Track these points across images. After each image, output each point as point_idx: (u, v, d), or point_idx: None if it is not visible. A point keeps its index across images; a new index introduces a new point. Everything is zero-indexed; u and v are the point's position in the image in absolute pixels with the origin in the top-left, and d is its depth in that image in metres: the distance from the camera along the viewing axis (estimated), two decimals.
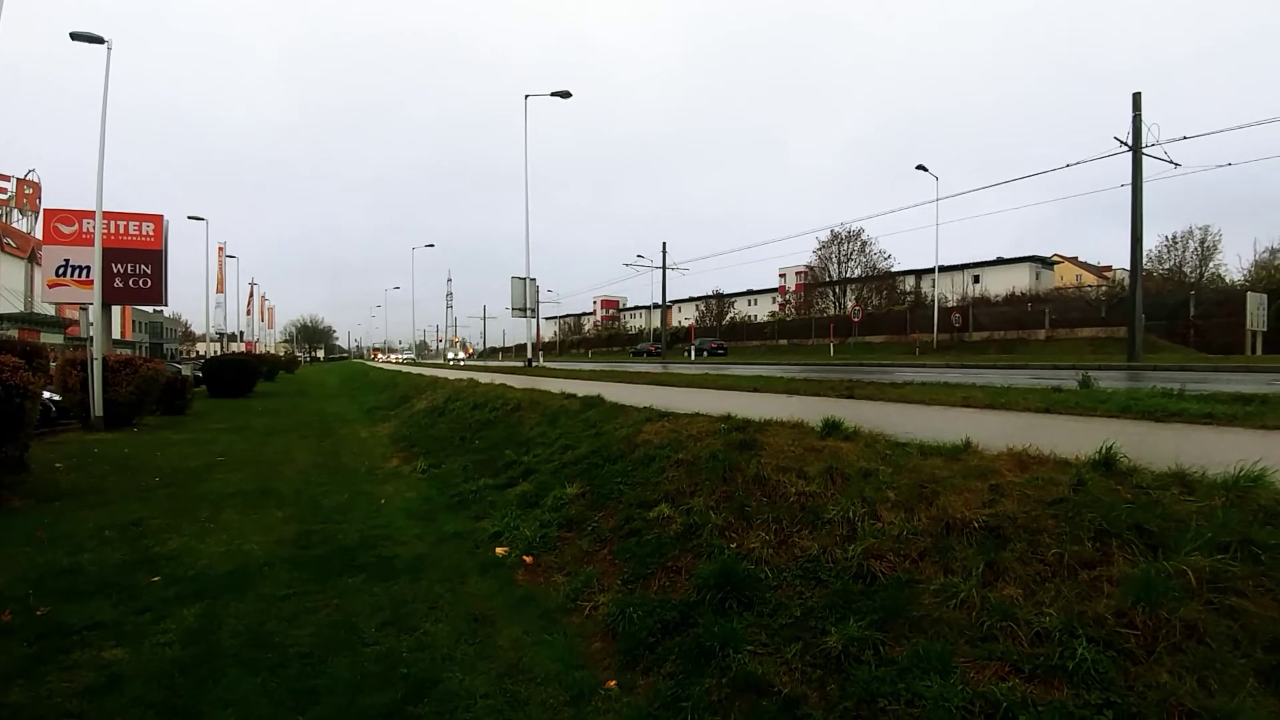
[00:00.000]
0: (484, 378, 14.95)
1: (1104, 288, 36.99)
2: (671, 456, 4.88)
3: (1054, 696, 2.03)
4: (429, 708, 2.80)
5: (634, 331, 68.07)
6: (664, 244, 44.15)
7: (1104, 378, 9.06)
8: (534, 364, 24.68)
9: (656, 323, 52.60)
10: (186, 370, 21.67)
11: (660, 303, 46.16)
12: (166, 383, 14.44)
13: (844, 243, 46.32)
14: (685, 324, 60.72)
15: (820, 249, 47.54)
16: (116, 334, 45.58)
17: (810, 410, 5.52)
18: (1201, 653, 2.00)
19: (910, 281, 47.90)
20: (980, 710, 2.07)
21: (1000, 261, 49.46)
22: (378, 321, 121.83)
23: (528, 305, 23.70)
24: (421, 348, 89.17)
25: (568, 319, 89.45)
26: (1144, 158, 17.41)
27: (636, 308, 78.95)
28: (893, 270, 46.80)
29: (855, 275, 46.54)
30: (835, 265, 47.52)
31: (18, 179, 39.06)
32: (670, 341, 46.48)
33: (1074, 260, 55.44)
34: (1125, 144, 17.63)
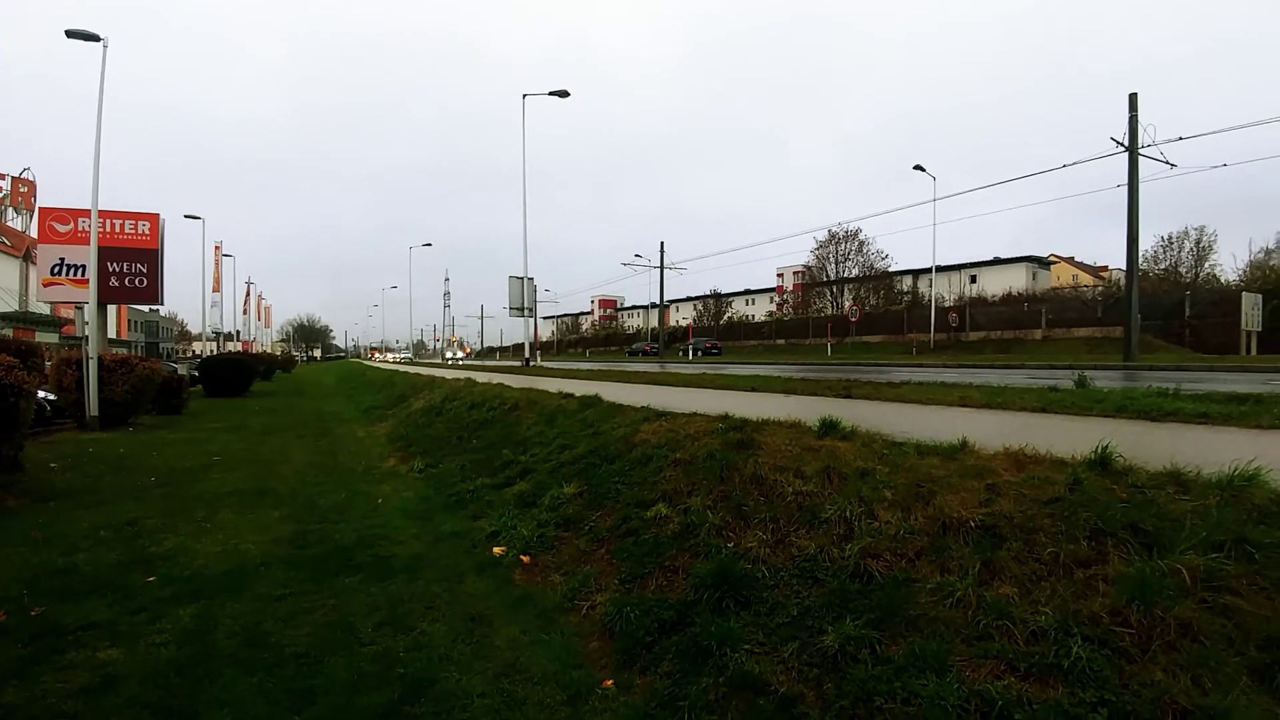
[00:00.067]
0: (481, 377, 14.94)
1: (1100, 288, 37.04)
2: (669, 456, 4.88)
3: (1049, 695, 2.04)
4: (426, 707, 2.80)
5: (632, 331, 68.06)
6: (661, 244, 44.18)
7: (1100, 377, 9.09)
8: (531, 363, 24.65)
9: (654, 322, 52.60)
10: (182, 369, 21.57)
11: (658, 302, 46.16)
12: (162, 382, 14.39)
13: (841, 242, 46.34)
14: (683, 324, 60.73)
15: (818, 249, 47.58)
16: (112, 333, 45.37)
17: (807, 410, 5.53)
18: (1196, 651, 2.01)
19: (907, 281, 47.95)
20: (976, 709, 2.07)
21: (997, 261, 49.55)
22: (375, 321, 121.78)
23: (525, 305, 23.64)
24: (419, 347, 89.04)
25: (565, 318, 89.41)
26: (1140, 158, 17.46)
27: (634, 307, 78.92)
28: (890, 270, 46.83)
29: (853, 275, 46.55)
30: (833, 265, 47.53)
31: (12, 177, 38.92)
32: (668, 341, 46.48)
33: (1070, 260, 55.61)
34: (1121, 145, 17.68)
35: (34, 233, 14.70)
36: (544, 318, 77.95)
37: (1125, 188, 17.63)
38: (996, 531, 2.78)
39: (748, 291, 65.86)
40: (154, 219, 16.32)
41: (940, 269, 36.34)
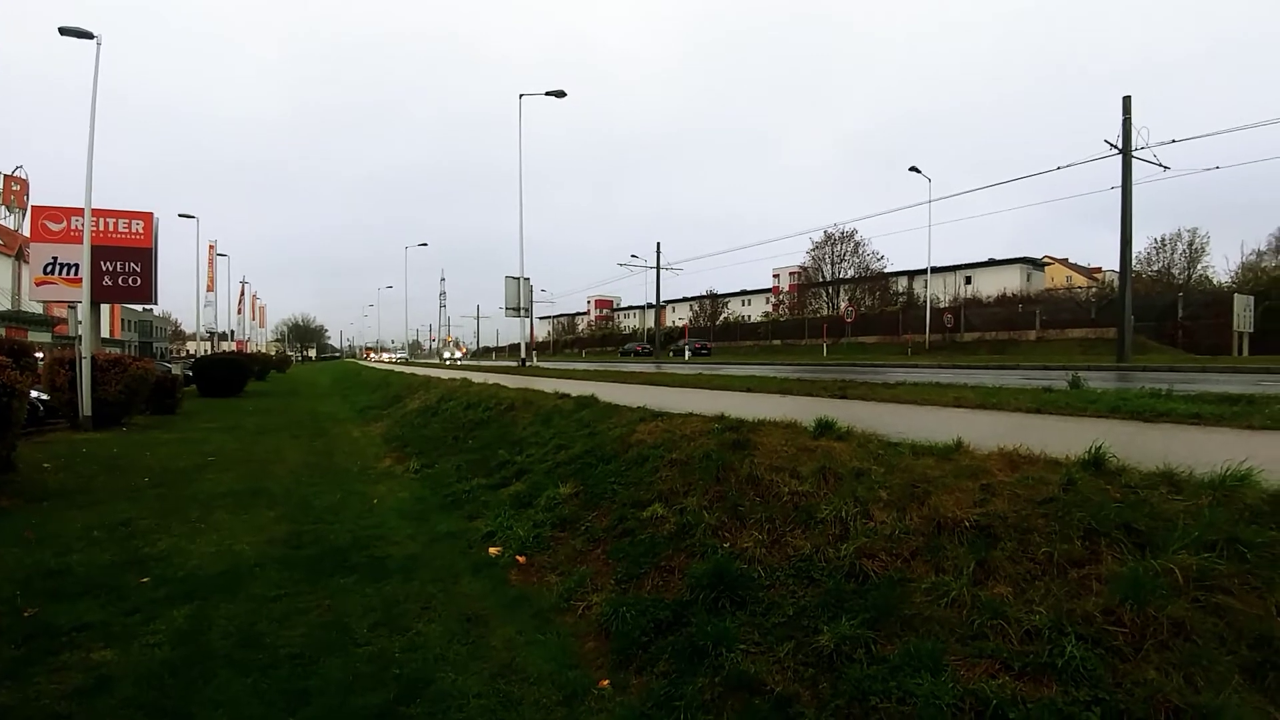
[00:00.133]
0: (477, 377, 14.91)
1: (1094, 289, 37.29)
2: (665, 456, 4.88)
3: (1043, 694, 2.05)
4: (421, 708, 2.79)
5: (628, 331, 68.03)
6: (658, 245, 44.19)
7: (1093, 378, 9.14)
8: (528, 363, 24.63)
9: (650, 323, 52.61)
10: (176, 369, 21.50)
11: (654, 303, 46.18)
12: (156, 382, 14.31)
13: (837, 243, 46.51)
14: (679, 324, 60.80)
15: (814, 250, 47.74)
16: (105, 333, 45.14)
17: (803, 410, 5.54)
18: (1188, 650, 2.02)
19: (903, 282, 48.11)
20: (970, 708, 2.08)
21: (992, 263, 49.76)
22: (370, 321, 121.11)
23: (521, 305, 23.63)
24: (414, 347, 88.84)
25: (562, 318, 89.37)
26: (1134, 160, 17.57)
27: (630, 308, 78.93)
28: (886, 271, 47.02)
29: (848, 276, 46.70)
30: (829, 266, 47.67)
31: (5, 175, 38.63)
32: (664, 342, 46.53)
33: (1064, 262, 55.91)
34: (1115, 147, 17.78)
35: (27, 231, 14.55)
36: (540, 318, 77.91)
37: (1119, 190, 17.74)
38: (991, 531, 2.79)
39: (744, 292, 65.94)
40: (148, 218, 16.23)
41: (935, 270, 36.49)
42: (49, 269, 14.76)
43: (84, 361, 11.76)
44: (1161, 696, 1.90)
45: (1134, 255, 20.67)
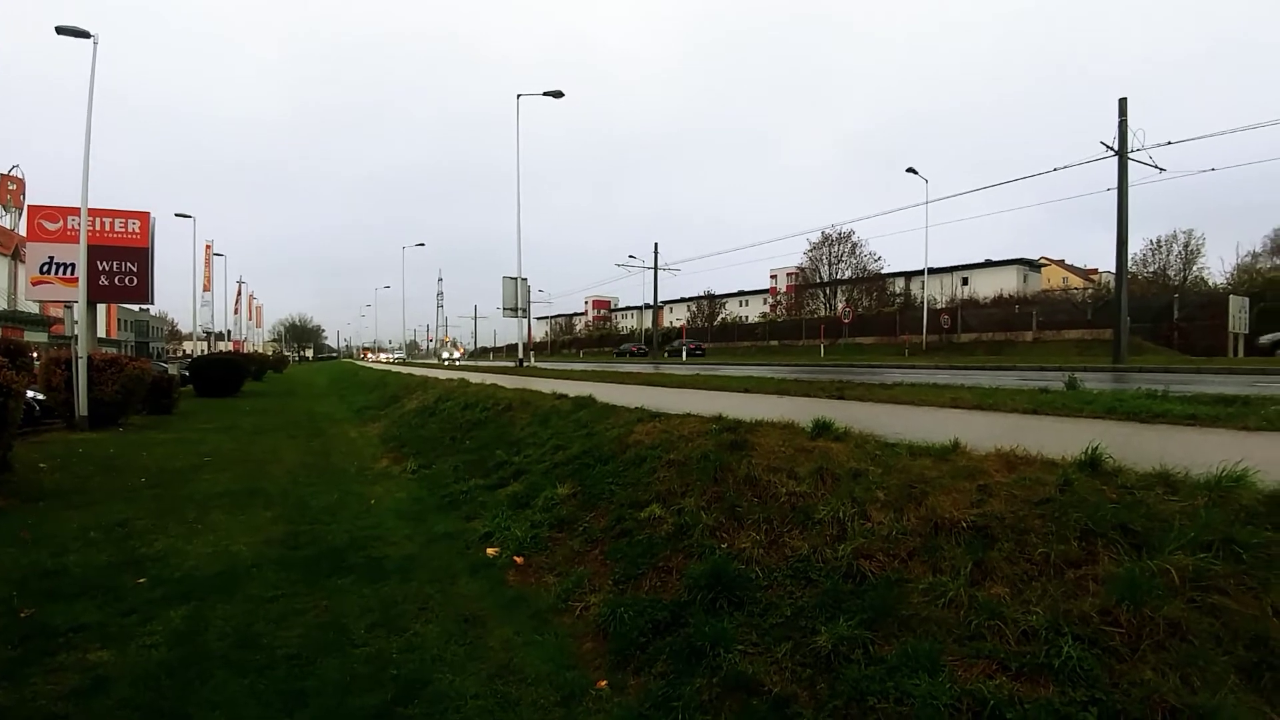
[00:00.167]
0: (475, 378, 14.90)
1: (1090, 290, 37.37)
2: (663, 457, 4.88)
3: (1040, 694, 2.05)
4: (419, 709, 2.79)
5: (626, 332, 68.02)
6: (655, 245, 44.14)
7: (1090, 379, 9.17)
8: (525, 364, 24.61)
9: (648, 324, 52.62)
10: (173, 369, 21.47)
11: (652, 303, 46.17)
12: (152, 382, 14.28)
13: (835, 244, 46.55)
14: (677, 324, 60.78)
15: (811, 250, 47.77)
16: (102, 332, 45.02)
17: (801, 411, 5.55)
18: (1184, 650, 2.03)
19: (900, 283, 48.18)
20: (968, 708, 2.09)
21: (989, 264, 49.86)
22: (367, 321, 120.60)
23: (519, 305, 23.62)
24: (411, 347, 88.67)
25: (559, 319, 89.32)
26: (1130, 162, 17.63)
27: (628, 308, 78.91)
28: (883, 272, 47.09)
29: (846, 277, 46.77)
30: (826, 267, 47.73)
31: (1, 175, 38.48)
32: (661, 342, 46.54)
33: (1061, 263, 56.05)
34: (1111, 149, 17.84)
35: (23, 231, 14.50)
36: (538, 318, 77.83)
37: (1115, 191, 17.80)
38: (988, 532, 2.80)
39: (741, 293, 65.98)
40: (144, 217, 16.16)
41: (932, 271, 36.57)
42: (45, 268, 14.70)
43: (80, 361, 11.73)
44: (1158, 697, 1.90)
45: (1130, 257, 20.78)
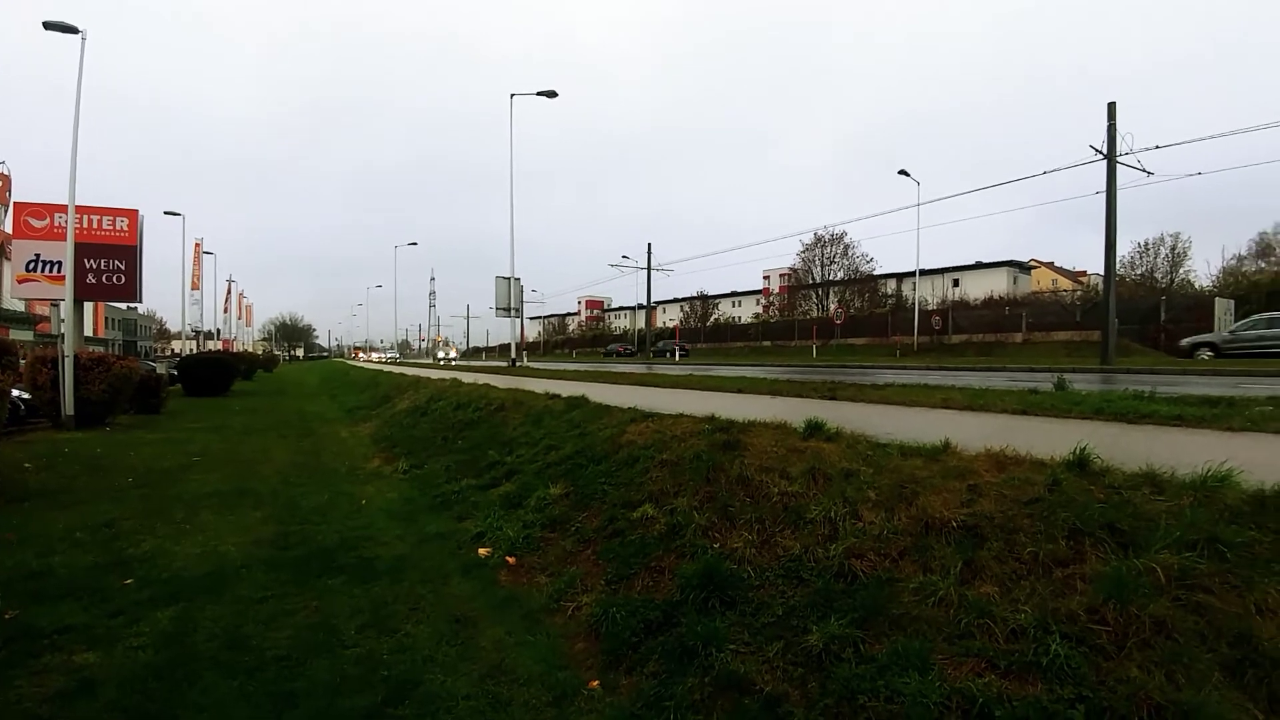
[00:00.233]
0: (467, 377, 14.86)
1: (1079, 292, 37.69)
2: (655, 457, 4.89)
3: (1028, 692, 2.07)
4: (410, 710, 2.78)
5: (619, 332, 67.98)
6: (649, 245, 44.30)
7: (1078, 380, 9.25)
8: (518, 364, 24.57)
9: (641, 324, 52.64)
10: (161, 368, 21.24)
11: (645, 303, 46.19)
12: (140, 381, 14.13)
13: (827, 245, 46.77)
14: (670, 325, 60.83)
15: (804, 251, 47.99)
16: (89, 331, 44.50)
17: (793, 411, 5.57)
18: (1170, 648, 2.05)
19: (892, 284, 48.47)
20: (957, 706, 2.10)
21: (979, 266, 50.24)
22: (359, 320, 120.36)
23: (512, 305, 23.58)
24: (404, 347, 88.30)
25: (552, 319, 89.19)
26: (1118, 166, 17.80)
27: (621, 308, 78.88)
28: (875, 273, 47.34)
29: (838, 278, 46.98)
30: (818, 268, 47.94)
31: None
32: (653, 342, 46.57)
33: (1050, 265, 56.57)
34: (1100, 153, 18.01)
35: (9, 228, 14.32)
36: (531, 318, 77.77)
37: (1104, 194, 17.97)
38: (978, 531, 2.82)
39: (734, 293, 66.10)
40: (133, 215, 16.01)
41: (924, 273, 36.74)
42: (31, 266, 14.52)
43: (67, 360, 11.59)
44: (1144, 694, 1.92)
45: (1118, 259, 20.91)
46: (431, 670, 3.10)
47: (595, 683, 2.95)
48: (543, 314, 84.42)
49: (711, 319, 59.90)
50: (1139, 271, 37.94)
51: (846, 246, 46.24)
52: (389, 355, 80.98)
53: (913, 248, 33.08)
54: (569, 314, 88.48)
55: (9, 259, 15.13)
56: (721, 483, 4.13)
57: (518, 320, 25.66)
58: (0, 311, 32.86)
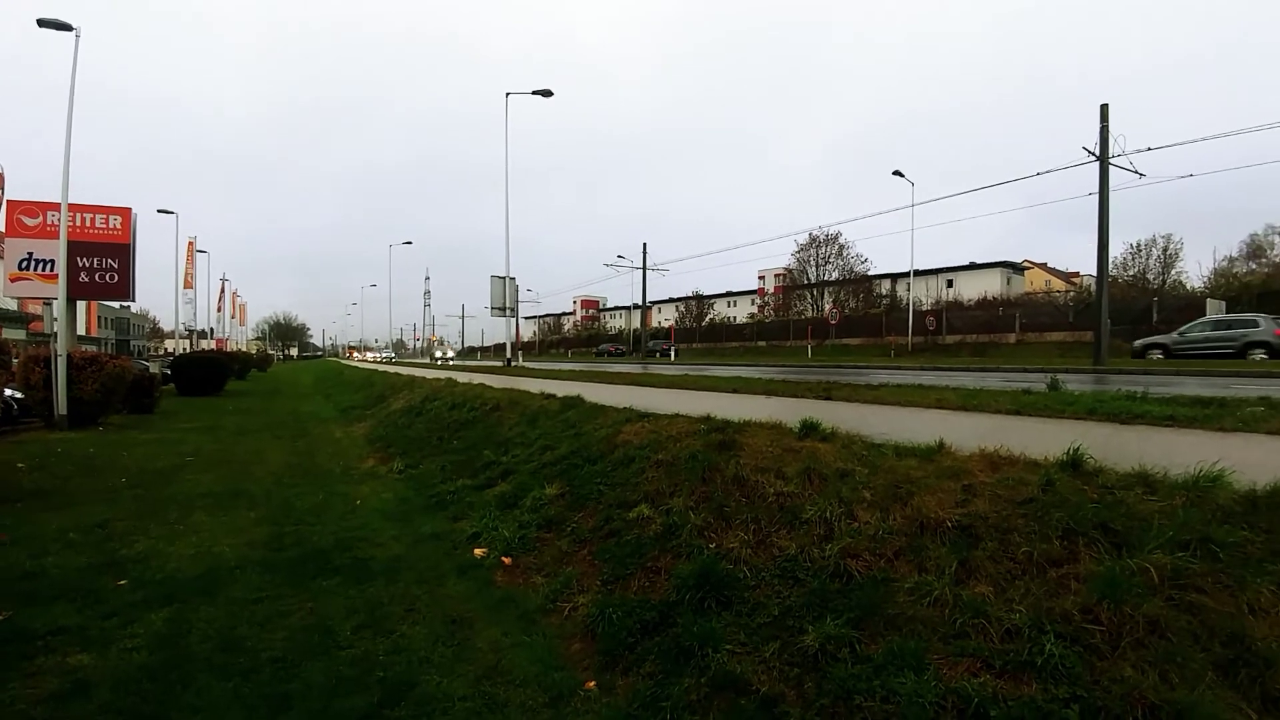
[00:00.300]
0: (462, 377, 14.82)
1: (1072, 293, 37.84)
2: (651, 457, 4.89)
3: (1023, 691, 2.09)
4: (406, 711, 2.77)
5: (614, 332, 67.96)
6: (644, 245, 44.19)
7: (1071, 380, 9.29)
8: (513, 364, 24.52)
9: (636, 324, 52.63)
10: (154, 368, 21.10)
11: (640, 303, 46.19)
12: (133, 380, 14.05)
13: (822, 246, 46.87)
14: (665, 324, 60.85)
15: (799, 252, 48.07)
16: (82, 330, 44.18)
17: (788, 411, 5.58)
18: (1163, 647, 2.07)
19: (886, 285, 48.61)
20: (952, 706, 2.11)
21: (973, 266, 50.44)
22: (353, 319, 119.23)
23: (507, 305, 23.50)
24: (398, 346, 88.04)
25: (547, 319, 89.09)
26: (1110, 167, 17.89)
27: (616, 308, 78.87)
28: (869, 274, 47.47)
29: (833, 278, 47.08)
30: (813, 268, 48.03)
31: None
32: (647, 342, 46.57)
33: (1043, 266, 56.80)
34: (1093, 154, 18.10)
35: (1, 226, 14.20)
36: (526, 318, 77.58)
37: (1096, 196, 18.06)
38: (972, 531, 2.84)
39: (729, 293, 66.18)
40: (126, 213, 15.93)
41: (918, 273, 36.91)
42: (24, 264, 14.43)
43: (60, 359, 11.51)
44: (1138, 693, 1.94)
45: (1111, 260, 21.04)
46: (427, 671, 3.10)
47: (592, 683, 2.95)
48: (538, 314, 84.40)
49: (707, 319, 59.93)
50: (1131, 273, 38.12)
51: (841, 247, 46.39)
52: (384, 355, 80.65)
53: (907, 248, 33.19)
54: (564, 314, 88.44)
55: (1, 257, 15.00)
56: (717, 483, 4.14)
57: (513, 320, 25.59)
58: None
